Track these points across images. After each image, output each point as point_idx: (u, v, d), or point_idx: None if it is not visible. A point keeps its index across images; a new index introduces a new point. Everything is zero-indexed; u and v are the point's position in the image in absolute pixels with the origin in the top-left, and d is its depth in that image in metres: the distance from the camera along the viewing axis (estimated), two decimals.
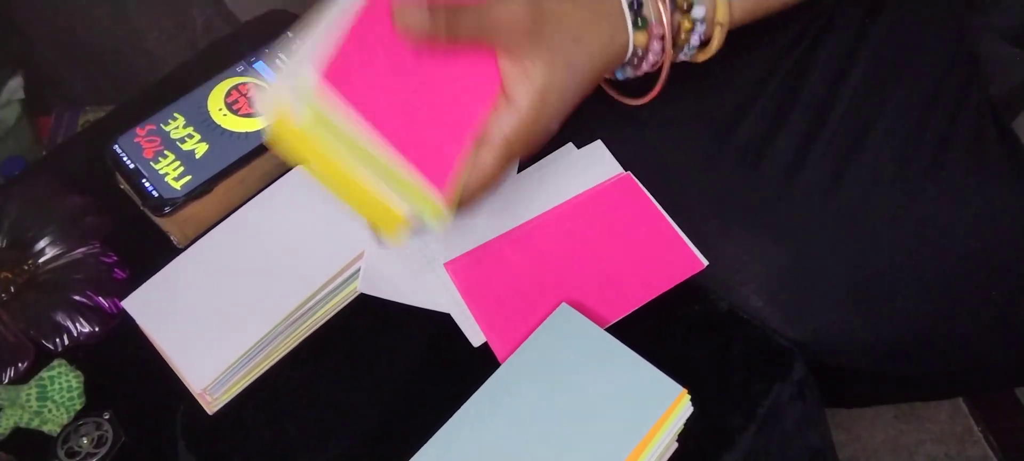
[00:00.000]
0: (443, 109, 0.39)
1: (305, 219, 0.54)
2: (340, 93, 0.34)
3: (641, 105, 0.50)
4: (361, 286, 0.52)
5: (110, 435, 0.48)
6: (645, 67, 0.46)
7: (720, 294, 0.52)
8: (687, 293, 0.52)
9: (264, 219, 0.55)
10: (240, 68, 0.60)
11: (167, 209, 0.53)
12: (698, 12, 0.44)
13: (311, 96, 0.33)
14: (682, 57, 0.46)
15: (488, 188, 0.42)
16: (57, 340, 0.51)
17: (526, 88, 0.40)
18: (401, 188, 0.37)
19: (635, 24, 0.43)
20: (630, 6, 0.42)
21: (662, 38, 0.44)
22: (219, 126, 0.57)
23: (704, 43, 0.46)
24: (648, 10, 0.43)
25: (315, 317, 0.52)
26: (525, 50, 0.40)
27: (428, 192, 0.38)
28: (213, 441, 0.49)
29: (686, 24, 0.44)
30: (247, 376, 0.50)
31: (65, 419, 0.49)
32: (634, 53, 0.44)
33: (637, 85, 0.49)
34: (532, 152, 0.43)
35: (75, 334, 0.51)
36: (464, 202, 0.41)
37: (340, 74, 0.34)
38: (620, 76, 0.48)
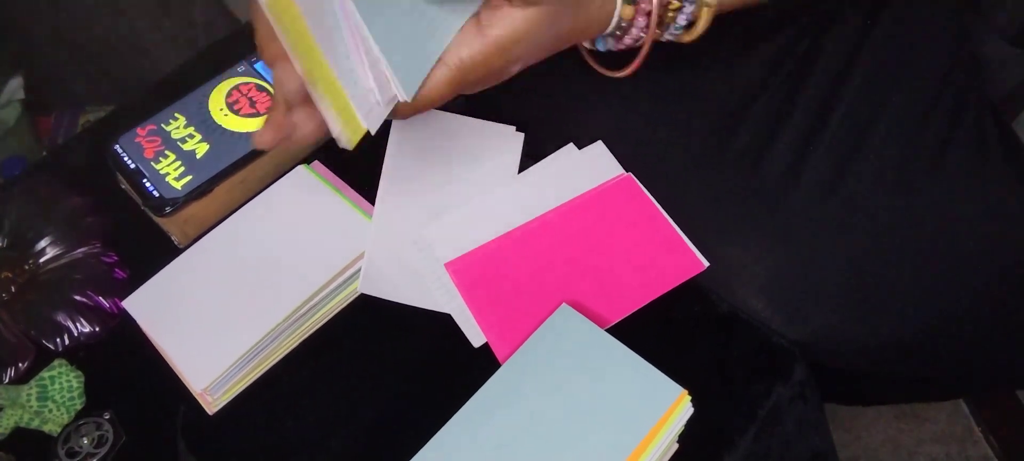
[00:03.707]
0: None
1: (305, 219, 0.54)
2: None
3: (624, 77, 0.48)
4: (361, 286, 0.52)
5: (110, 435, 0.49)
6: (627, 40, 0.45)
7: (720, 295, 0.52)
8: (687, 294, 0.52)
9: (264, 219, 0.55)
10: (241, 68, 0.60)
11: (168, 209, 0.53)
12: None
13: None
14: (667, 36, 0.46)
15: (429, 105, 0.41)
16: (57, 340, 0.51)
17: (502, 26, 0.39)
18: (335, 100, 0.38)
19: None
20: None
21: (648, 14, 0.43)
22: (220, 126, 0.57)
23: (690, 24, 0.46)
24: None
25: (315, 317, 0.52)
26: None
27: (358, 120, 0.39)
28: (213, 441, 0.49)
29: (674, 3, 0.43)
30: (247, 376, 0.50)
31: (65, 419, 0.49)
32: (618, 24, 0.43)
33: (616, 57, 0.48)
34: (481, 88, 0.42)
35: (75, 334, 0.51)
36: (400, 111, 0.41)
37: None
38: (601, 47, 0.47)
